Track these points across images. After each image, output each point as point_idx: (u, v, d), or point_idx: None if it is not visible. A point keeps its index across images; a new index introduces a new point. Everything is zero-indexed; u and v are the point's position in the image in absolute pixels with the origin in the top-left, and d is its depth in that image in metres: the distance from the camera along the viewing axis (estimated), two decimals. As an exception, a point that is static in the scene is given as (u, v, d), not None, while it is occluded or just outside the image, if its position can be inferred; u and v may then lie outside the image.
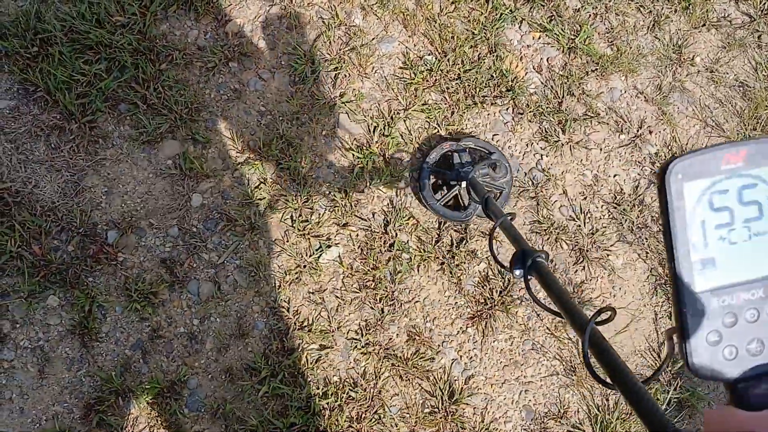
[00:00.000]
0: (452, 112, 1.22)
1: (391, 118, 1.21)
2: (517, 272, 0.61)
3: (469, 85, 1.23)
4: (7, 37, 1.11)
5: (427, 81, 1.22)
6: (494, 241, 1.10)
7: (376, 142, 1.19)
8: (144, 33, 1.15)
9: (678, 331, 0.26)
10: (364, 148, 1.19)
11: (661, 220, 0.27)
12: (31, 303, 1.04)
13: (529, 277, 0.59)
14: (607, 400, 1.13)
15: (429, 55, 1.24)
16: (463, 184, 1.07)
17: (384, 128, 1.20)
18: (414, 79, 1.21)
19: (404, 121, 1.21)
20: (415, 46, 1.25)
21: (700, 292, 0.27)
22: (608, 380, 0.43)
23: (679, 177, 0.26)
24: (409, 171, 1.17)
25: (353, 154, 1.18)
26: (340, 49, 1.22)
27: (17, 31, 1.11)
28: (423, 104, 1.21)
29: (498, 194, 1.13)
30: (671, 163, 0.26)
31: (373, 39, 1.24)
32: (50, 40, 1.12)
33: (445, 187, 1.13)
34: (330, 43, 1.21)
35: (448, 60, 1.21)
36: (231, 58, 1.17)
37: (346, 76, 1.21)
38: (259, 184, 1.15)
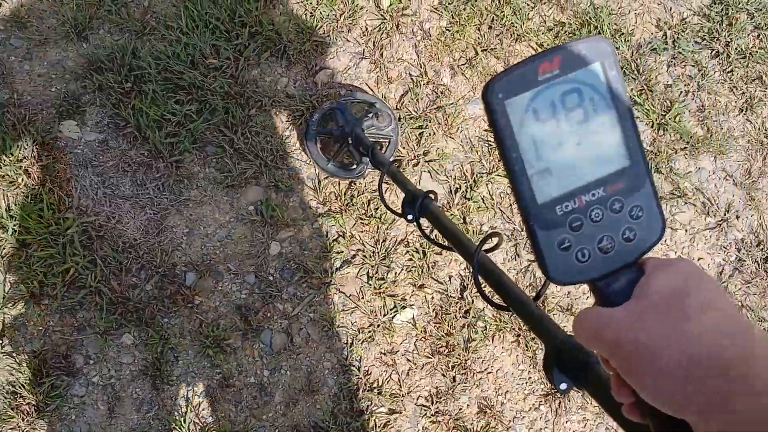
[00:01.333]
0: None
1: (474, 181, 2.10)
2: (410, 216, 1.11)
3: None
4: (102, 71, 2.00)
5: None
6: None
7: (457, 204, 2.08)
8: (236, 77, 2.06)
9: (532, 244, 0.48)
10: (445, 209, 2.07)
11: (494, 142, 0.48)
12: (106, 339, 1.85)
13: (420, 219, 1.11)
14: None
15: None
16: (350, 140, 1.73)
17: (466, 191, 2.08)
18: None
19: (487, 185, 2.10)
20: None
21: (543, 204, 0.47)
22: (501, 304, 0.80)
23: (500, 96, 0.46)
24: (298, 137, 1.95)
25: None
26: (426, 107, 2.13)
27: (112, 65, 2.01)
28: None
29: (387, 143, 1.92)
30: (490, 83, 0.46)
31: (459, 99, 2.16)
32: (144, 78, 2.01)
33: (336, 147, 1.85)
34: (417, 100, 2.12)
35: None
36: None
37: (431, 134, 2.11)
38: (337, 237, 2.01)
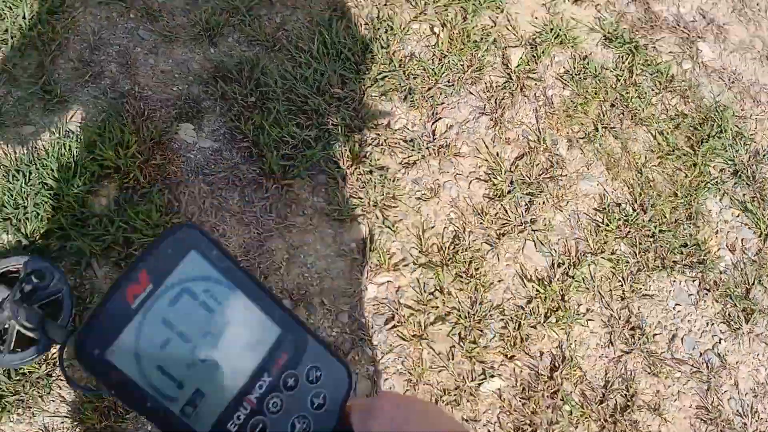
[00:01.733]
0: (639, 269, 2.45)
1: (578, 258, 2.42)
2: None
3: (661, 247, 2.47)
4: (228, 80, 2.33)
5: (620, 230, 2.47)
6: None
7: (558, 279, 2.39)
8: (357, 111, 2.39)
9: None
10: (545, 282, 2.39)
11: (123, 403, 0.47)
12: None
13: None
14: None
15: (626, 204, 2.50)
16: (10, 320, 1.56)
17: (568, 268, 2.41)
18: (607, 225, 2.46)
19: (590, 265, 2.42)
20: (613, 191, 2.52)
21: (212, 429, 0.47)
22: None
23: (96, 352, 0.44)
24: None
25: (533, 286, 2.37)
26: (539, 175, 2.47)
27: (239, 77, 2.34)
28: (611, 253, 2.44)
29: (60, 300, 1.75)
30: (79, 343, 0.44)
31: (573, 173, 2.50)
32: (269, 95, 2.34)
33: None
34: (532, 166, 2.47)
35: (645, 215, 2.47)
36: (433, 156, 2.41)
37: (541, 203, 2.44)
38: (434, 291, 2.32)
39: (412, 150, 2.35)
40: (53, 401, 1.89)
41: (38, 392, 1.87)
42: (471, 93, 2.44)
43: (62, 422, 1.87)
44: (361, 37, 2.37)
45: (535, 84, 2.49)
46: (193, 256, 0.49)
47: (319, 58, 2.33)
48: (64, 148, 2.08)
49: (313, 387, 0.52)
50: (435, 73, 2.40)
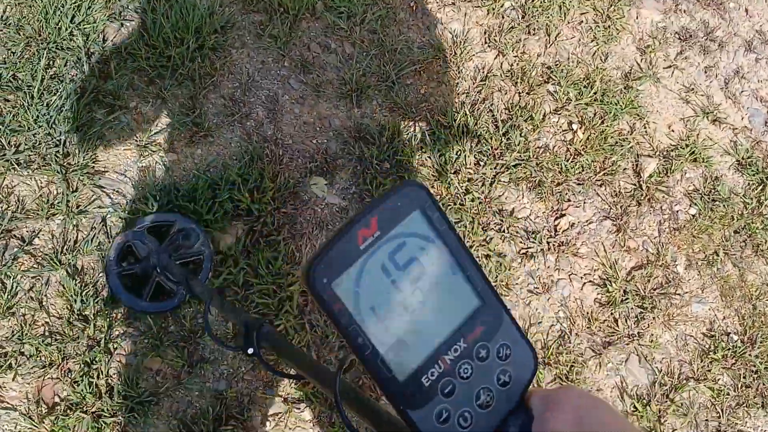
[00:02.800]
0: (738, 404, 2.35)
1: (680, 382, 2.34)
2: (250, 351, 1.02)
3: (764, 385, 2.37)
4: (368, 142, 2.34)
5: (726, 360, 2.38)
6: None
7: (657, 400, 2.31)
8: (486, 194, 2.37)
9: (410, 429, 0.49)
10: (644, 400, 2.31)
11: (335, 329, 0.49)
12: (288, 407, 2.09)
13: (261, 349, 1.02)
14: None
15: (736, 335, 2.42)
16: (158, 270, 1.70)
17: (669, 390, 2.33)
18: (714, 353, 2.37)
19: (690, 392, 2.34)
20: (725, 319, 2.44)
21: (406, 381, 0.48)
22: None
23: (325, 281, 0.47)
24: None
25: (632, 403, 2.29)
26: (654, 289, 2.41)
27: (378, 142, 2.34)
28: (714, 382, 2.35)
29: (200, 261, 1.89)
30: (309, 270, 0.47)
31: (687, 293, 2.43)
32: (403, 164, 2.34)
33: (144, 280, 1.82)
34: (648, 279, 2.40)
35: (753, 349, 2.38)
36: (551, 251, 2.36)
37: (651, 318, 2.37)
38: None
39: (532, 242, 2.32)
40: (151, 429, 1.89)
41: (136, 418, 1.87)
42: (598, 195, 2.41)
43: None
44: (501, 122, 2.37)
45: (663, 197, 2.44)
46: (418, 214, 0.51)
47: (458, 138, 2.32)
48: (202, 182, 2.11)
49: (501, 363, 0.52)
50: (567, 170, 2.37)
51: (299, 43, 2.39)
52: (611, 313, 2.32)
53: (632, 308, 2.33)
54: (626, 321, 2.33)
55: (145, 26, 2.27)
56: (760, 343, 2.37)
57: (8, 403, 1.84)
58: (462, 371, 0.51)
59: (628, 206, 2.42)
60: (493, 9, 2.58)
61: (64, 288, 1.95)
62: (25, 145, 2.06)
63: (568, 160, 2.41)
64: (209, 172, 2.17)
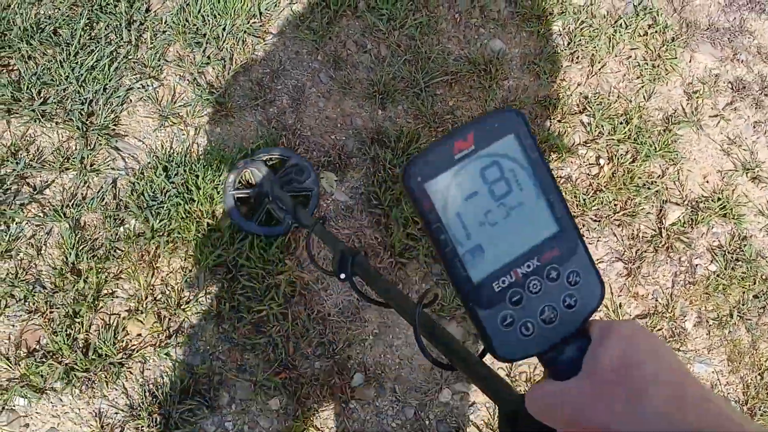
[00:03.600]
0: None
1: None
2: (342, 276, 1.16)
3: None
4: (383, 145, 2.31)
5: None
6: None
7: None
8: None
9: (475, 325, 0.55)
10: None
11: (420, 225, 0.79)
12: (257, 392, 2.08)
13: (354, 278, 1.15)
14: None
15: (736, 402, 2.27)
16: (269, 198, 1.89)
17: None
18: None
19: None
20: (727, 385, 2.29)
21: (479, 282, 0.54)
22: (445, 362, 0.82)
23: (419, 180, 0.53)
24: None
25: None
26: (656, 342, 2.29)
27: (395, 146, 2.31)
28: None
29: (309, 197, 2.08)
30: (407, 167, 0.53)
31: (692, 351, 2.30)
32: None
33: (256, 205, 2.04)
34: (652, 330, 2.29)
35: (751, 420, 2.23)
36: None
37: (647, 372, 2.26)
38: None
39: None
40: (115, 390, 1.92)
41: (106, 377, 1.90)
42: (614, 235, 2.31)
43: (116, 413, 1.89)
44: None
45: (684, 248, 2.33)
46: (512, 138, 0.55)
47: (476, 153, 2.27)
48: (213, 157, 2.13)
49: (569, 288, 0.56)
50: (585, 204, 2.28)
51: (335, 39, 2.40)
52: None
53: (629, 357, 2.23)
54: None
55: (187, 2, 2.32)
56: (760, 415, 2.23)
57: (-11, 340, 1.90)
58: (531, 286, 0.55)
59: (644, 251, 2.31)
60: (539, 31, 2.52)
61: (63, 240, 2.00)
62: (54, 98, 2.13)
63: (588, 195, 2.32)
64: (223, 150, 2.19)
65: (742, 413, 2.08)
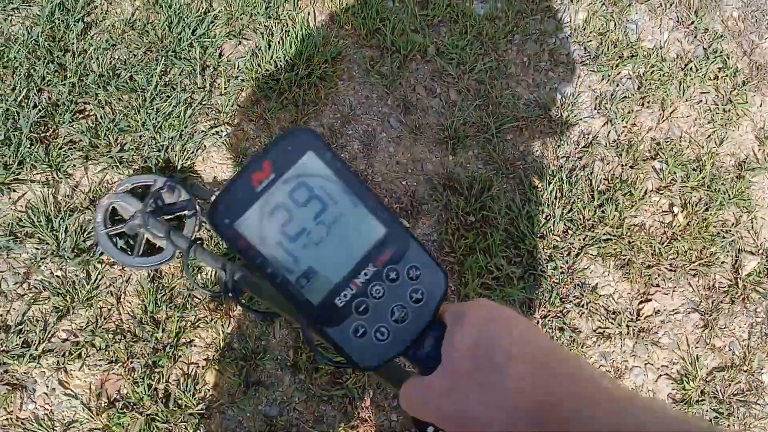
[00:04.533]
0: None
1: None
2: (231, 294, 1.19)
3: None
4: (455, 192, 2.29)
5: None
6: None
7: None
8: (571, 267, 2.27)
9: (334, 347, 0.55)
10: None
11: (244, 263, 0.55)
12: None
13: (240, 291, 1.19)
14: None
15: None
16: (143, 228, 1.80)
17: None
18: None
19: None
20: None
21: (321, 304, 0.55)
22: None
23: (227, 221, 0.52)
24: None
25: None
26: (734, 395, 2.24)
27: (468, 193, 2.29)
28: None
29: (190, 214, 1.94)
30: (212, 211, 0.53)
31: (772, 407, 2.25)
32: (489, 220, 2.28)
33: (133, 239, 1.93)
34: (729, 383, 2.24)
35: None
36: (630, 335, 2.24)
37: (726, 425, 2.21)
38: None
39: (611, 322, 2.22)
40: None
41: (187, 428, 1.89)
42: (690, 285, 2.27)
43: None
44: (598, 193, 2.28)
45: (760, 299, 2.29)
46: (311, 155, 0.54)
47: (550, 203, 2.25)
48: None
49: (412, 283, 0.56)
50: (660, 253, 2.25)
51: (405, 83, 2.40)
52: (684, 413, 2.17)
53: (707, 411, 2.19)
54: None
55: (260, 47, 2.33)
56: None
57: (72, 391, 1.91)
58: (374, 291, 0.55)
59: (721, 302, 2.28)
60: (609, 75, 2.50)
61: (142, 288, 2.00)
62: (130, 145, 2.15)
63: (663, 243, 2.29)
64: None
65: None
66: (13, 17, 2.27)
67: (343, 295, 0.55)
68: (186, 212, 1.96)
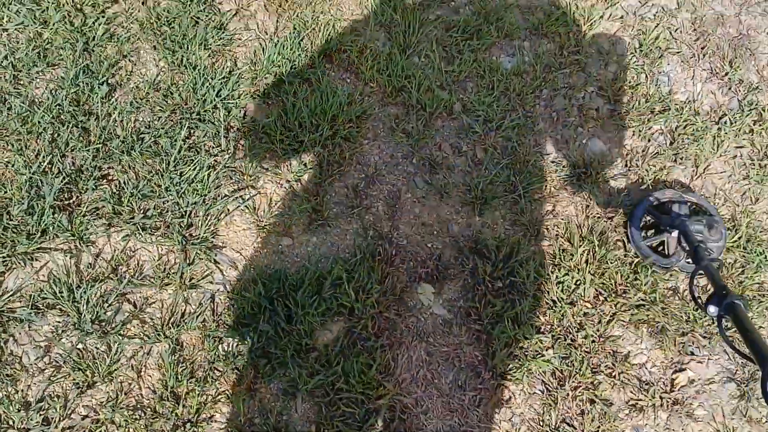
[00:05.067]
0: None
1: None
2: (712, 309, 1.31)
3: None
4: (482, 255, 2.21)
5: None
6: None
7: None
8: (602, 335, 2.18)
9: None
10: None
11: None
12: None
13: (724, 319, 1.27)
14: None
15: None
16: (674, 233, 2.08)
17: None
18: None
19: None
20: None
21: None
22: None
23: None
24: (627, 201, 2.24)
25: None
26: (774, 472, 2.13)
27: (495, 258, 2.21)
28: None
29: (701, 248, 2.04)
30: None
31: (814, 483, 2.13)
32: (517, 287, 2.20)
33: (653, 231, 2.22)
34: (769, 459, 2.13)
35: None
36: (664, 407, 2.14)
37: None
38: None
39: (644, 393, 2.12)
40: None
41: None
42: (726, 353, 2.17)
43: None
44: (630, 260, 2.19)
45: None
46: None
47: (578, 267, 2.16)
48: (310, 273, 2.07)
49: None
50: (694, 320, 2.16)
51: (431, 141, 2.33)
52: (720, 490, 2.07)
53: (745, 488, 2.08)
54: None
55: (284, 108, 2.28)
56: None
57: (92, 470, 1.86)
58: None
59: (757, 371, 2.16)
60: (640, 131, 2.41)
61: (163, 362, 1.95)
62: (153, 211, 2.11)
63: (697, 310, 2.19)
64: (320, 263, 2.13)
65: None
66: (38, 80, 2.24)
67: None
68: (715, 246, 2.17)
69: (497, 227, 2.27)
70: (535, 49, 2.53)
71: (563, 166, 2.35)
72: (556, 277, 2.20)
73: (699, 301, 1.60)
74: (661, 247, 2.27)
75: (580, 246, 2.23)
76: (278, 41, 2.37)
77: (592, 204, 2.31)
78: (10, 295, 1.99)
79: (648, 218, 2.28)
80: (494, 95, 2.40)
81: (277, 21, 2.43)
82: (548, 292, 2.17)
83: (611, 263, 2.22)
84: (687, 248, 2.05)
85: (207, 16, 2.36)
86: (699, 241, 1.97)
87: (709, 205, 2.27)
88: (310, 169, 2.23)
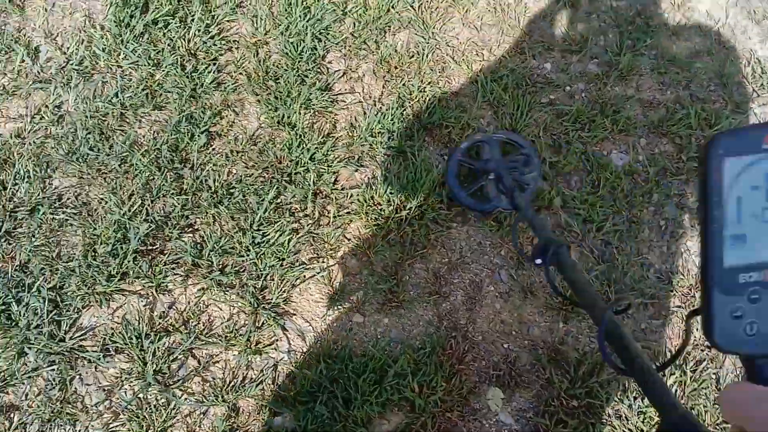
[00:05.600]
0: None
1: None
2: (538, 261, 1.20)
3: None
4: (560, 368, 2.03)
5: None
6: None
7: None
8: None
9: (704, 304, 0.53)
10: None
11: (698, 194, 0.53)
12: None
13: (550, 267, 1.19)
14: None
15: None
16: (491, 176, 1.99)
17: None
18: None
19: None
20: None
21: (728, 268, 0.52)
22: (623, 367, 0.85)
23: (720, 152, 0.51)
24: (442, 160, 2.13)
25: None
26: None
27: (574, 373, 2.02)
28: None
29: (526, 188, 2.07)
30: (715, 138, 0.51)
31: None
32: (594, 410, 2.00)
33: (472, 178, 2.12)
34: None
35: None
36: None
37: None
38: None
39: None
40: None
41: None
42: None
43: None
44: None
45: None
46: None
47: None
48: (375, 359, 1.97)
49: None
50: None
51: (522, 234, 2.18)
52: None
53: None
54: None
55: (375, 184, 2.20)
56: None
57: None
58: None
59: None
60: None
61: (217, 427, 1.91)
62: (231, 268, 2.07)
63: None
64: (387, 348, 2.03)
65: None
66: (143, 121, 2.27)
67: (749, 276, 0.53)
68: (528, 186, 2.15)
69: (581, 339, 2.10)
70: (651, 149, 2.33)
71: (665, 284, 2.15)
72: (638, 406, 2.00)
73: (524, 252, 1.55)
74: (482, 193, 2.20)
75: (671, 375, 2.02)
76: (380, 108, 2.30)
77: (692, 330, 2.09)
78: (84, 333, 2.00)
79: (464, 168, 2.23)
80: (599, 194, 2.22)
81: (383, 87, 2.36)
82: (628, 423, 1.98)
83: (702, 398, 2.00)
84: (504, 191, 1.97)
85: (314, 75, 2.32)
86: (514, 184, 1.90)
87: (521, 138, 2.23)
88: (392, 246, 2.13)
